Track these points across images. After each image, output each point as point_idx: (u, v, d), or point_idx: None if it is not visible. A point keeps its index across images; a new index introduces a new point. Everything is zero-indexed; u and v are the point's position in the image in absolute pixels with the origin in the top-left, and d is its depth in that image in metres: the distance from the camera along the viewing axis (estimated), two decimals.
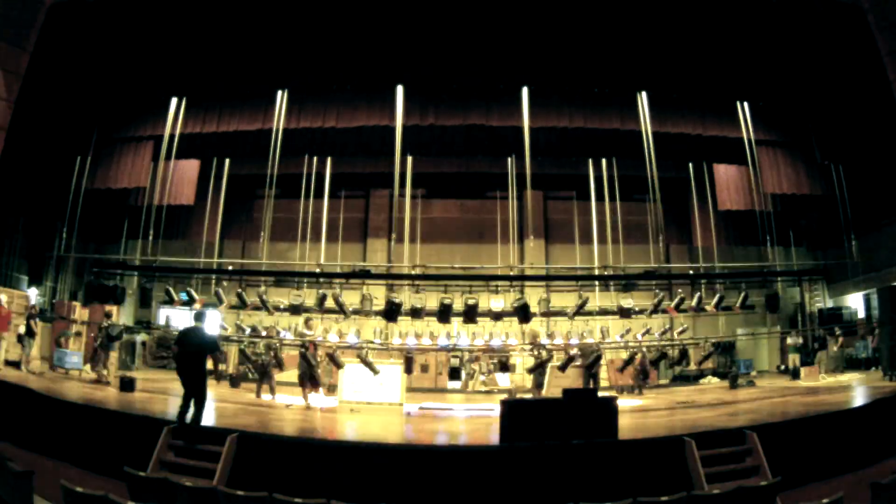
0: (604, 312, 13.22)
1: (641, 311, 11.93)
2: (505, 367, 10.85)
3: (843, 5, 9.20)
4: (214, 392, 10.44)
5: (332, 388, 10.70)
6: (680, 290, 11.95)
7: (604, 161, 13.73)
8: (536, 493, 5.12)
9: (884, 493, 5.12)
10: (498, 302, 11.05)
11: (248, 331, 12.68)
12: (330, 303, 10.52)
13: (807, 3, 9.38)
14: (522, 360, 13.01)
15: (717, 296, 11.15)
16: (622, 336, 13.45)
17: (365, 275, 11.18)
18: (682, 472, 6.44)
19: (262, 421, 8.41)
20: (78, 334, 12.22)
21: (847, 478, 6.66)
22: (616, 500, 4.89)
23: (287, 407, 9.68)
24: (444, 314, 10.14)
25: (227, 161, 13.86)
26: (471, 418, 9.60)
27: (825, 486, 4.95)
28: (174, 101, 11.68)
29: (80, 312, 12.67)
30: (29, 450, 7.09)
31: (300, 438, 7.24)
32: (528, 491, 5.11)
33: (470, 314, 10.02)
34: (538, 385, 10.69)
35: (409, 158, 13.37)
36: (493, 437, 6.90)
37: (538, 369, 10.51)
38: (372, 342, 11.91)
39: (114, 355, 11.61)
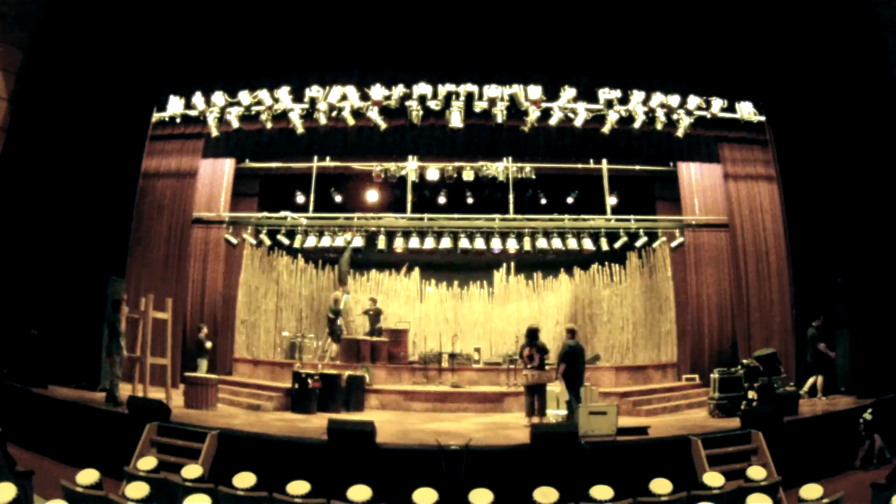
0: None
1: None
2: None
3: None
4: None
5: None
6: None
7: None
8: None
9: (884, 493, 5.13)
10: None
11: None
12: None
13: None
14: None
15: None
16: None
17: None
18: (689, 472, 6.48)
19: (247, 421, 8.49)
20: None
21: (847, 478, 6.70)
22: (617, 500, 4.90)
23: None
24: None
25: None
26: None
27: (825, 485, 4.95)
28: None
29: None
30: (29, 450, 7.10)
31: (280, 437, 7.34)
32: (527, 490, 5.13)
33: None
34: None
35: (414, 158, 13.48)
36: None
37: None
38: None
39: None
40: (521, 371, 9.19)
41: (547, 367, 8.97)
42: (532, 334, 9.14)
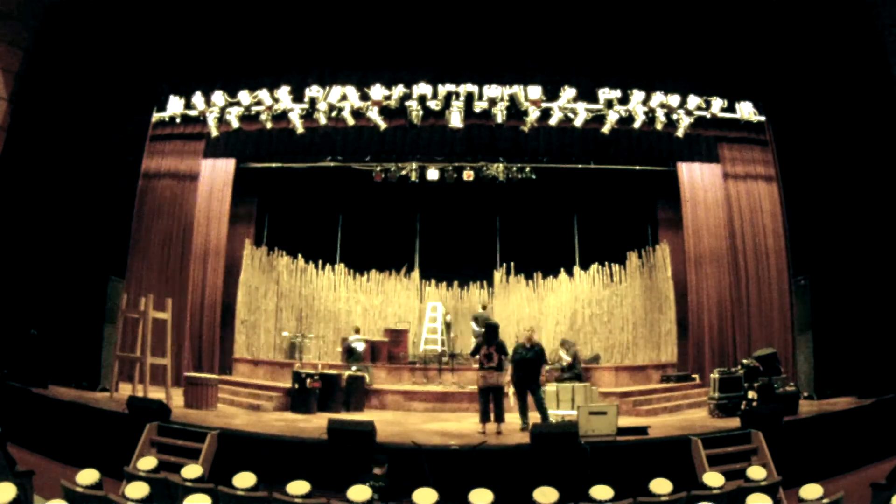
0: None
1: None
2: None
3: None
4: None
5: None
6: None
7: None
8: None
9: (884, 493, 5.13)
10: None
11: None
12: None
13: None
14: None
15: None
16: None
17: None
18: (689, 472, 6.49)
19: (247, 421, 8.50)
20: None
21: (847, 478, 6.69)
22: (617, 500, 4.90)
23: None
24: None
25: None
26: None
27: (825, 485, 4.95)
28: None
29: None
30: (29, 450, 7.10)
31: (280, 437, 7.37)
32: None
33: None
34: None
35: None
36: None
37: None
38: None
39: None
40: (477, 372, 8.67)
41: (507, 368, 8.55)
42: (491, 331, 8.64)
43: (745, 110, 11.85)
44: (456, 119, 11.36)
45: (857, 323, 9.14)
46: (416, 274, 14.85)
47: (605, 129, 11.58)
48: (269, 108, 11.53)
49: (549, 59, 10.37)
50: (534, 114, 11.42)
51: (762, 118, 11.30)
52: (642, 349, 13.40)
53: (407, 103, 11.28)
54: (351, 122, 11.58)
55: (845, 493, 4.93)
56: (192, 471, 5.41)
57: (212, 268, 12.87)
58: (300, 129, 11.74)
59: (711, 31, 9.91)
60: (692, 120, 11.76)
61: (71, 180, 9.94)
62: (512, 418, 8.67)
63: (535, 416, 8.53)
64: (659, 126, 11.60)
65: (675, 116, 11.61)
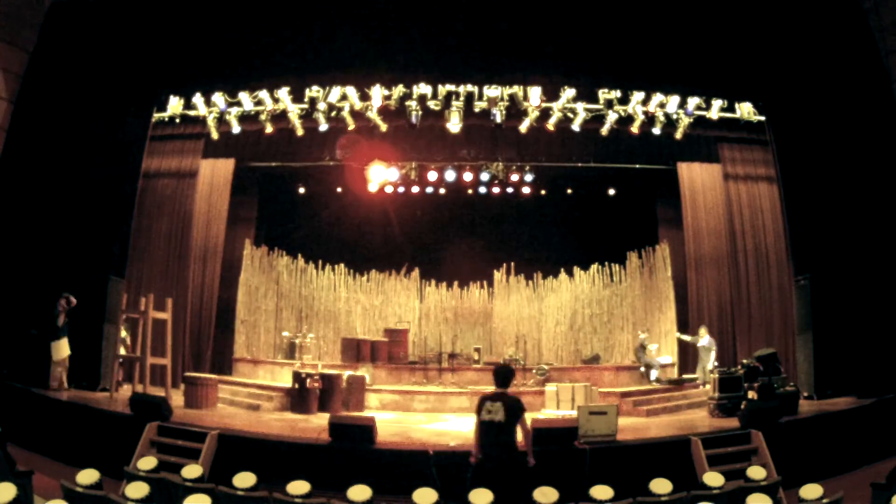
0: None
1: None
2: None
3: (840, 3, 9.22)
4: None
5: None
6: None
7: None
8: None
9: (884, 493, 5.12)
10: None
11: None
12: None
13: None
14: None
15: None
16: None
17: None
18: (689, 472, 6.49)
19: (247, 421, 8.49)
20: None
21: (847, 478, 6.69)
22: (617, 500, 4.90)
23: None
24: None
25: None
26: None
27: (825, 485, 4.94)
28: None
29: None
30: (29, 450, 7.10)
31: (280, 437, 7.38)
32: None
33: None
34: None
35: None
36: None
37: None
38: None
39: None
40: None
41: None
42: None
43: (746, 110, 11.86)
44: (455, 119, 11.38)
45: (857, 323, 9.15)
46: (416, 274, 14.85)
47: (605, 130, 11.61)
48: (270, 109, 11.54)
49: (549, 59, 10.37)
50: (533, 114, 11.42)
51: (762, 118, 11.29)
52: None
53: (407, 103, 11.29)
54: (351, 122, 11.59)
55: (845, 493, 4.92)
56: (192, 471, 5.40)
57: (211, 268, 12.87)
58: (300, 131, 11.75)
59: (711, 32, 9.91)
60: (692, 120, 11.78)
61: (71, 180, 9.94)
62: None
63: None
64: (658, 126, 11.62)
65: (674, 116, 11.63)
